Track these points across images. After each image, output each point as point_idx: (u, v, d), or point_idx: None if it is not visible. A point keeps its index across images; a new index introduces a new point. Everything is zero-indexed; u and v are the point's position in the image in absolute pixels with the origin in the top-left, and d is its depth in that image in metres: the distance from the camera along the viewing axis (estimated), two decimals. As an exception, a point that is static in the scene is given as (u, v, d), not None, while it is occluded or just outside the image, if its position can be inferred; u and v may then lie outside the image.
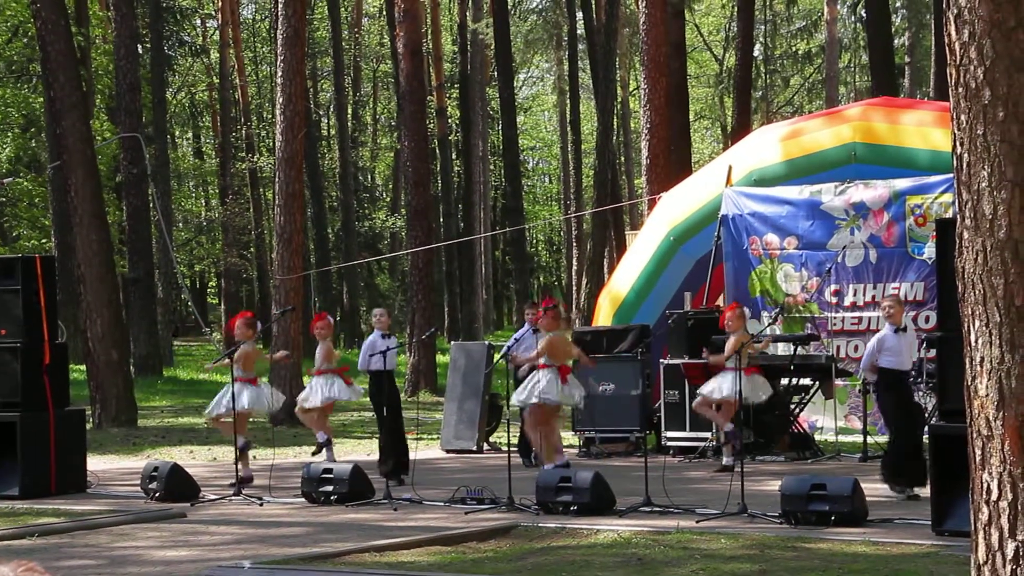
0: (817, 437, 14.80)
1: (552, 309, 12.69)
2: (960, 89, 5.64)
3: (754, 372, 13.10)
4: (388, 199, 51.86)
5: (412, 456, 14.19)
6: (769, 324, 14.80)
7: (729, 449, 13.16)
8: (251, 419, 14.07)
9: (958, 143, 5.69)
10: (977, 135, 5.58)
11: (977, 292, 5.60)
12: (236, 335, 13.34)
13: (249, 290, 50.70)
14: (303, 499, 11.73)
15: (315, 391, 13.71)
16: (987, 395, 5.55)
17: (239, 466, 12.72)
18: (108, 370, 19.33)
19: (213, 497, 12.02)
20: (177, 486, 11.91)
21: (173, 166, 43.39)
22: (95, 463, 14.46)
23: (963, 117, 5.63)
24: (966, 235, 5.66)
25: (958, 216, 5.74)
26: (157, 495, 11.87)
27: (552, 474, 10.83)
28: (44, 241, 34.19)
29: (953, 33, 5.65)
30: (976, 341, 5.60)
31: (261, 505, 11.60)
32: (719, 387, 13.02)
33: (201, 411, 22.85)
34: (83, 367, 20.74)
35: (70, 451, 12.77)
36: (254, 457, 15.37)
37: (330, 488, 11.56)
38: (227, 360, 12.96)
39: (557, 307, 12.95)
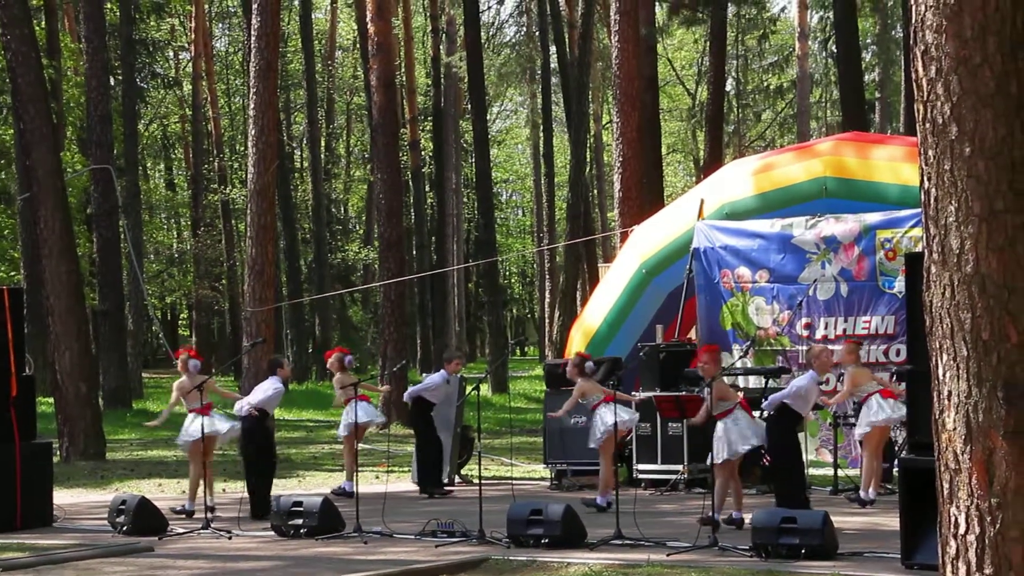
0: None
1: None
2: (927, 125, 5.68)
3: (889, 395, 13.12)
4: (361, 231, 51.83)
5: (384, 489, 14.21)
6: (741, 357, 14.82)
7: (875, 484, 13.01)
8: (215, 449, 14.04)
9: (926, 178, 5.73)
10: (944, 170, 5.62)
11: (945, 326, 5.63)
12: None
13: (220, 322, 50.50)
14: (272, 532, 11.65)
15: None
16: (955, 429, 5.57)
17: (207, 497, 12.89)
18: (76, 403, 19.17)
19: (181, 531, 11.92)
20: (145, 520, 11.80)
21: (144, 198, 43.25)
22: (62, 497, 14.32)
23: (930, 152, 5.67)
24: (934, 269, 5.69)
25: (926, 250, 5.77)
26: (124, 529, 11.76)
27: (523, 507, 10.80)
28: (13, 273, 33.98)
29: (920, 69, 5.70)
30: (944, 375, 5.62)
31: (230, 539, 11.51)
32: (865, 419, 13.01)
33: (171, 443, 22.73)
34: (51, 400, 20.59)
35: (36, 485, 12.64)
36: (223, 490, 15.27)
37: (300, 521, 11.48)
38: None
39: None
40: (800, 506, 11.03)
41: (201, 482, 13.21)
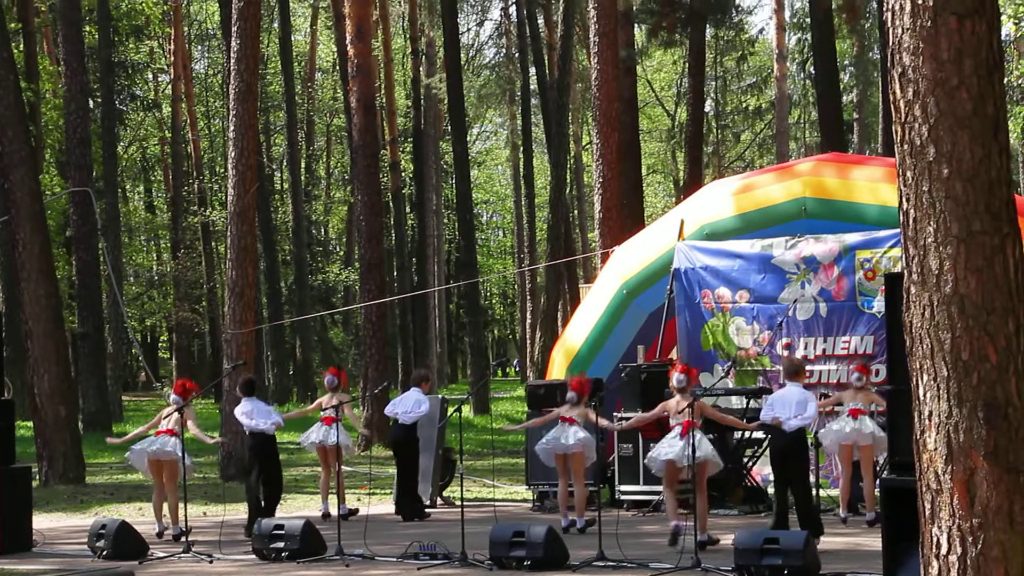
0: (770, 490, 14.80)
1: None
2: (906, 146, 5.72)
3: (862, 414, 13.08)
4: (341, 252, 51.79)
5: (365, 511, 14.18)
6: (722, 377, 14.84)
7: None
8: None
9: (904, 199, 5.76)
10: (923, 191, 5.66)
11: (925, 346, 5.65)
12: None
13: (201, 344, 50.35)
14: (254, 556, 11.60)
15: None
16: (936, 449, 5.59)
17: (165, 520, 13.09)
18: (56, 426, 19.08)
19: (162, 555, 11.86)
20: (125, 544, 11.74)
21: (124, 220, 43.14)
22: (41, 521, 14.24)
23: (909, 174, 5.71)
24: (913, 290, 5.72)
25: (905, 271, 5.80)
26: (104, 553, 11.70)
27: (505, 528, 10.78)
28: (-8, 296, 33.77)
29: (898, 91, 5.74)
30: (924, 395, 5.64)
31: (211, 563, 11.46)
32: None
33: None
34: (30, 423, 20.48)
35: (15, 509, 12.56)
36: (203, 513, 15.19)
37: (281, 544, 11.44)
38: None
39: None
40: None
41: (165, 504, 13.21)
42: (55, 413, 19.07)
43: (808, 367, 14.89)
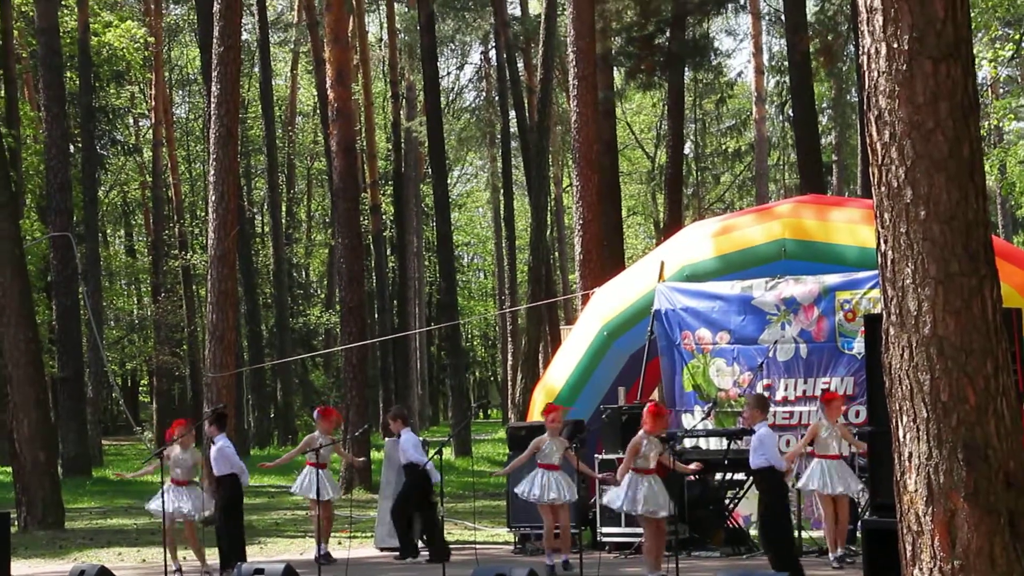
0: (752, 532, 14.78)
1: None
2: (883, 188, 5.76)
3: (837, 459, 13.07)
4: (322, 295, 51.73)
5: (347, 554, 14.10)
6: (702, 419, 14.84)
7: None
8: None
9: (882, 241, 5.80)
10: (900, 233, 5.70)
11: (904, 388, 5.67)
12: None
13: (181, 388, 50.11)
14: (234, 602, 11.51)
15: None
16: (916, 490, 5.59)
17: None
18: (35, 472, 18.95)
19: (141, 602, 11.77)
20: (104, 591, 11.64)
21: (104, 264, 43.03)
22: (20, 567, 14.11)
23: (886, 216, 5.75)
24: (892, 331, 5.75)
25: (884, 312, 5.83)
26: (83, 600, 11.59)
27: (487, 571, 10.72)
28: (-29, 340, 33.58)
29: (875, 134, 5.79)
30: (904, 436, 5.66)
31: (191, 609, 11.37)
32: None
33: (131, 512, 22.45)
34: (9, 469, 20.34)
35: (-7, 556, 12.47)
36: (183, 558, 15.07)
37: (262, 590, 11.35)
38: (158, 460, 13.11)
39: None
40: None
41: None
42: (34, 458, 18.95)
43: (788, 408, 14.93)
